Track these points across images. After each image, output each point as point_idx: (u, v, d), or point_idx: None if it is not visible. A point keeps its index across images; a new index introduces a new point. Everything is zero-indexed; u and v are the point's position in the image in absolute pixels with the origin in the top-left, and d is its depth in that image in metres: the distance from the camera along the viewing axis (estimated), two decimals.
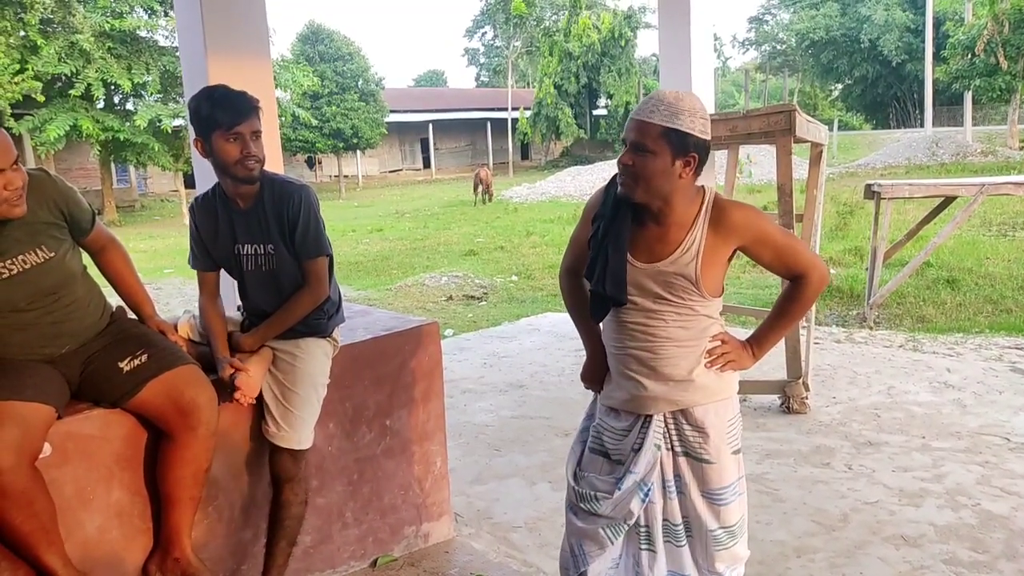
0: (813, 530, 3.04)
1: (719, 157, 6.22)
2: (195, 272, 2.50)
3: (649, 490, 1.98)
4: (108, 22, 20.90)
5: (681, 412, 1.97)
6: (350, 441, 2.73)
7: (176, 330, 2.42)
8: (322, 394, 2.49)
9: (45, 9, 20.37)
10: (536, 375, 5.28)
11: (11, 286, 2.04)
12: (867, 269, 7.53)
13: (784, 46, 49.11)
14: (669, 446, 1.99)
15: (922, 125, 33.28)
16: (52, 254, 2.10)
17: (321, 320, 2.48)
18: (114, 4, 21.45)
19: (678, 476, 2.00)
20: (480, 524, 3.23)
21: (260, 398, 2.39)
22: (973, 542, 2.89)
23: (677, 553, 2.03)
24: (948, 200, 7.23)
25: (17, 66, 19.80)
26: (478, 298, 9.69)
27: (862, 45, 40.92)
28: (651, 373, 1.94)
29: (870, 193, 7.08)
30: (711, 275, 1.89)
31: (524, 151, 44.25)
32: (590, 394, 2.19)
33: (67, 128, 20.54)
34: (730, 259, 1.93)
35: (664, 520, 2.02)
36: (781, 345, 4.02)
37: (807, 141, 4.47)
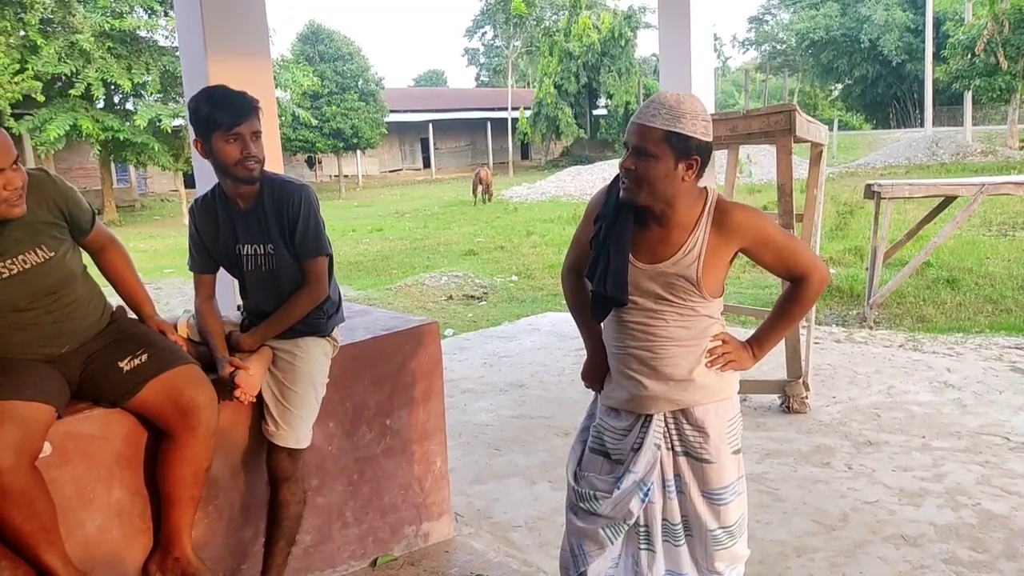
0: (813, 529, 3.04)
1: (719, 157, 6.22)
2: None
3: (649, 490, 1.98)
4: (108, 22, 20.90)
5: (681, 412, 1.97)
6: (350, 441, 2.73)
7: (176, 330, 2.42)
8: (321, 393, 2.49)
9: (45, 9, 20.37)
10: (536, 375, 5.28)
11: (11, 286, 2.04)
12: (867, 269, 7.53)
13: (784, 46, 49.13)
14: (669, 446, 1.99)
15: (922, 125, 33.28)
16: (52, 254, 2.10)
17: (321, 320, 2.48)
18: (114, 4, 21.46)
19: (678, 476, 2.00)
20: (480, 524, 3.23)
21: (260, 397, 2.39)
22: (973, 542, 2.89)
23: (675, 552, 2.03)
24: (948, 200, 7.23)
25: (17, 66, 19.81)
26: (478, 298, 9.69)
27: (862, 45, 40.92)
28: (651, 373, 1.94)
29: (870, 193, 7.08)
30: (712, 276, 1.89)
31: (524, 151, 44.25)
32: (590, 394, 2.19)
33: (67, 128, 20.55)
34: (731, 260, 1.93)
35: (663, 519, 2.02)
36: (781, 345, 4.01)
37: (807, 141, 4.47)
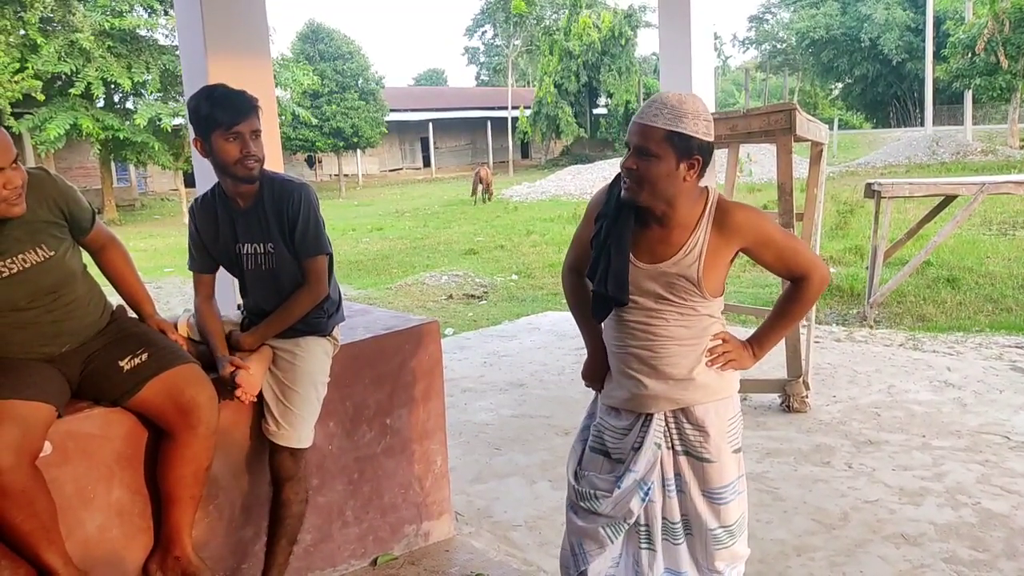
0: (813, 529, 3.04)
1: (719, 156, 6.21)
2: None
3: (649, 489, 1.98)
4: (108, 21, 20.90)
5: (682, 411, 1.97)
6: (350, 440, 2.73)
7: (176, 329, 2.42)
8: (322, 393, 2.49)
9: (45, 8, 20.36)
10: (536, 374, 5.28)
11: (11, 285, 2.04)
12: (867, 268, 7.53)
13: (784, 45, 49.11)
14: (669, 445, 1.99)
15: (922, 124, 33.27)
16: (52, 253, 2.10)
17: (321, 319, 2.48)
18: (114, 3, 21.45)
19: (678, 475, 2.00)
20: (480, 523, 3.23)
21: (260, 397, 2.39)
22: (973, 541, 2.89)
23: (674, 551, 2.03)
24: (948, 199, 7.23)
25: (17, 65, 19.80)
26: (478, 297, 9.69)
27: (862, 44, 40.90)
28: (652, 372, 1.94)
29: (870, 192, 7.08)
30: (713, 276, 1.89)
31: (524, 150, 44.24)
32: (591, 393, 2.19)
33: (67, 127, 20.54)
34: (732, 260, 1.93)
35: (662, 518, 2.02)
36: (781, 344, 4.01)
37: (807, 140, 4.47)
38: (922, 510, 3.15)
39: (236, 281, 2.55)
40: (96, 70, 20.68)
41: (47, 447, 2.03)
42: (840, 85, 47.58)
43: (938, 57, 30.00)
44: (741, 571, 2.11)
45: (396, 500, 2.88)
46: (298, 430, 2.40)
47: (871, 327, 6.66)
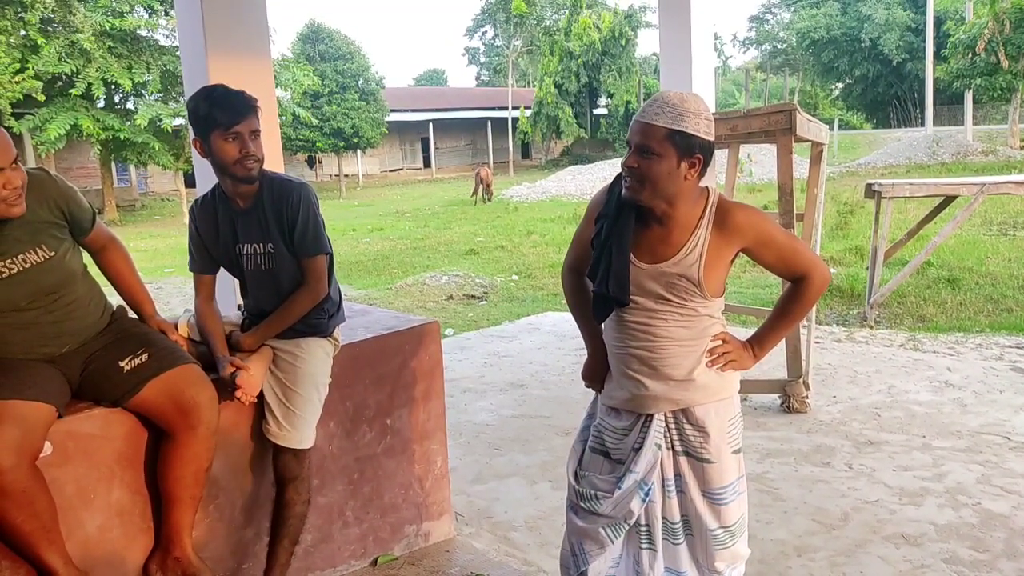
0: (813, 529, 3.04)
1: (719, 156, 6.20)
2: None
3: (650, 489, 1.98)
4: (108, 21, 20.90)
5: (682, 411, 1.97)
6: (351, 440, 2.73)
7: (176, 329, 2.42)
8: (324, 393, 2.49)
9: (46, 8, 20.36)
10: (536, 374, 5.28)
11: (11, 285, 2.04)
12: (868, 268, 7.53)
13: (785, 45, 49.10)
14: (670, 445, 1.99)
15: (923, 124, 33.26)
16: (52, 253, 2.10)
17: (322, 319, 2.48)
18: (114, 3, 21.45)
19: (678, 475, 2.00)
20: (480, 523, 3.23)
21: (261, 397, 2.39)
22: (974, 541, 2.89)
23: (674, 551, 2.03)
24: (949, 199, 7.23)
25: (18, 65, 19.80)
26: (478, 297, 9.69)
27: (863, 44, 40.89)
28: (652, 373, 1.94)
29: (871, 192, 7.08)
30: (713, 276, 1.89)
31: (524, 150, 44.24)
32: (591, 393, 2.19)
33: (67, 127, 20.54)
34: (732, 260, 1.93)
35: (662, 518, 2.02)
36: (782, 344, 4.02)
37: (808, 140, 4.47)
38: (922, 510, 3.15)
39: (237, 282, 2.55)
40: (97, 70, 20.68)
41: (47, 447, 2.03)
42: (840, 85, 47.57)
43: (938, 57, 29.99)
44: (741, 571, 2.11)
45: (396, 500, 2.88)
46: (300, 431, 2.40)
47: (871, 327, 6.66)
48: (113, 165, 25.51)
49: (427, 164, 41.98)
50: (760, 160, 23.20)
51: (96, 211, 2.32)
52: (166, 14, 22.23)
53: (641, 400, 1.97)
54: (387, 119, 34.72)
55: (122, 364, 2.17)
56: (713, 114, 1.94)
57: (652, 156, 1.79)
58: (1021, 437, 3.83)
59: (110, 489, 2.22)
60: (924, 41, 32.05)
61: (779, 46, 50.06)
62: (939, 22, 32.54)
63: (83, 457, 2.15)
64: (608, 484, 2.00)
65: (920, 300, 7.67)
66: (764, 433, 4.04)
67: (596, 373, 2.12)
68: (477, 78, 61.53)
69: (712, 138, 1.83)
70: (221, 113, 2.21)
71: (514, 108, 39.83)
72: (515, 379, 5.20)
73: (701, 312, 1.92)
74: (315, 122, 29.24)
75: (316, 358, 2.46)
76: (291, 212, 2.34)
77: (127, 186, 30.22)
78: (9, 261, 2.03)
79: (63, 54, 20.40)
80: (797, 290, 1.98)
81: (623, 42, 37.97)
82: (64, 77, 20.98)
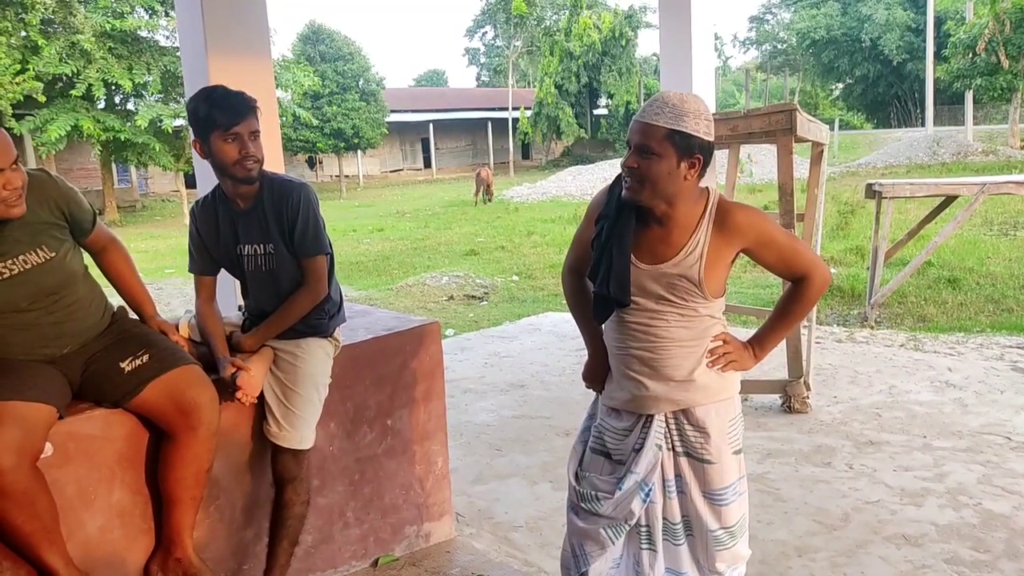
0: (814, 529, 3.04)
1: (720, 156, 6.19)
2: None
3: (650, 490, 1.98)
4: (109, 22, 20.91)
5: (682, 412, 1.97)
6: (351, 441, 2.73)
7: (177, 330, 2.42)
8: (324, 394, 2.49)
9: (46, 9, 20.38)
10: (537, 375, 5.28)
11: (12, 286, 2.04)
12: (868, 268, 7.53)
13: (785, 45, 49.10)
14: (670, 446, 1.99)
15: (923, 124, 33.26)
16: (53, 254, 2.10)
17: (322, 320, 2.48)
18: (115, 4, 21.46)
19: (679, 476, 1.99)
20: (481, 524, 3.23)
21: (261, 398, 2.39)
22: (975, 541, 2.89)
23: (674, 551, 2.03)
24: (949, 199, 7.23)
25: (18, 66, 19.81)
26: (479, 298, 9.69)
27: (863, 44, 40.90)
28: (652, 373, 1.94)
29: (871, 192, 7.07)
30: (714, 277, 1.89)
31: (525, 151, 44.25)
32: (591, 394, 2.19)
33: (68, 128, 20.55)
34: (733, 260, 1.93)
35: (663, 519, 2.02)
36: (782, 345, 4.02)
37: (808, 140, 4.47)
38: (923, 511, 3.14)
39: (237, 283, 2.55)
40: (97, 71, 20.69)
41: (48, 448, 2.03)
42: (841, 85, 47.58)
43: (939, 57, 29.99)
44: (742, 572, 2.10)
45: (397, 501, 2.88)
46: (299, 431, 2.40)
47: (872, 328, 6.66)
48: (114, 166, 25.53)
49: (427, 165, 42.00)
50: (760, 160, 23.20)
51: (97, 212, 2.32)
52: (166, 15, 22.25)
53: (641, 401, 1.97)
54: (387, 120, 34.74)
55: (123, 365, 2.17)
56: (713, 114, 1.94)
57: (652, 156, 1.79)
58: (1022, 437, 3.82)
59: (111, 490, 2.22)
60: (924, 41, 32.04)
61: (779, 46, 50.06)
62: (939, 22, 32.54)
63: (84, 458, 2.16)
64: (609, 485, 2.00)
65: (921, 300, 7.67)
66: (765, 433, 4.04)
67: (596, 374, 2.12)
68: (477, 79, 61.56)
69: (712, 138, 1.83)
70: (220, 114, 2.21)
71: (514, 108, 39.84)
72: (516, 380, 5.19)
73: (702, 312, 1.92)
74: (315, 123, 29.25)
75: (316, 358, 2.46)
76: (291, 212, 2.34)
77: (128, 187, 30.24)
78: (10, 262, 2.03)
79: (64, 55, 20.42)
80: (797, 290, 1.98)
81: (623, 42, 37.98)
82: (65, 78, 21.00)
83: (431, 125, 40.06)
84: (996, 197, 9.84)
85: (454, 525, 3.09)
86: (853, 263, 9.71)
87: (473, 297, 9.72)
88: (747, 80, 44.52)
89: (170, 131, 21.64)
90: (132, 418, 2.21)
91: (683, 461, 1.99)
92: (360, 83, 33.75)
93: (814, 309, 4.63)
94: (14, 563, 2.03)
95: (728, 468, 1.98)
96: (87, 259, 2.29)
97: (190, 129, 2.33)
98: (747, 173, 22.14)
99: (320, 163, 39.04)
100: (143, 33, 22.24)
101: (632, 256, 1.89)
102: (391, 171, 41.53)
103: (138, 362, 2.17)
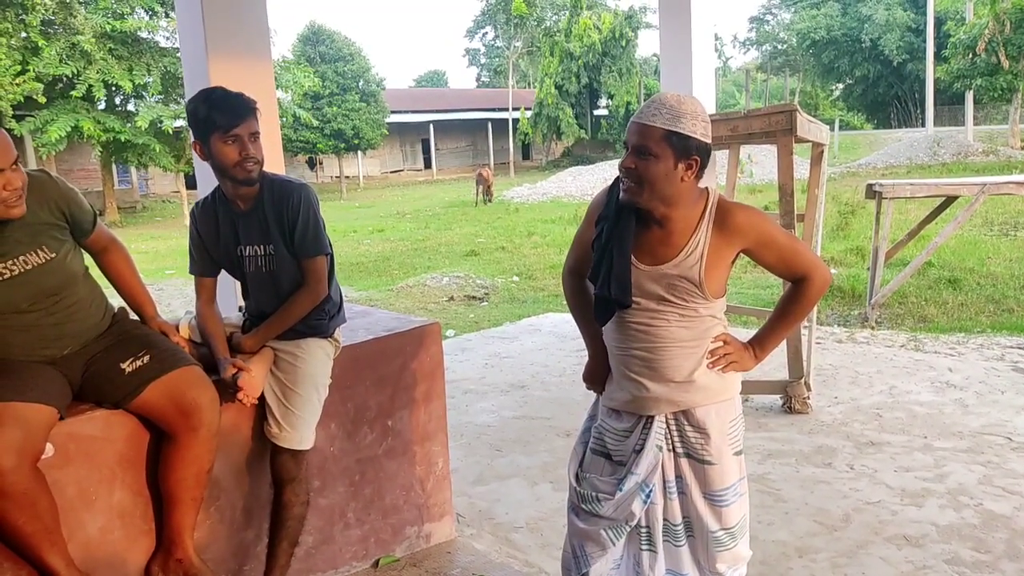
0: (815, 530, 3.04)
1: (720, 157, 6.21)
2: None
3: (651, 491, 1.98)
4: (109, 23, 20.92)
5: (682, 413, 1.96)
6: (352, 442, 2.73)
7: (178, 331, 2.42)
8: (324, 395, 2.49)
9: (46, 10, 20.40)
10: (538, 375, 5.28)
11: (12, 287, 2.04)
12: (869, 269, 7.52)
13: (785, 46, 49.11)
14: (670, 447, 1.99)
15: (923, 125, 33.27)
16: (53, 255, 2.11)
17: (322, 320, 2.48)
18: (115, 5, 21.47)
19: (679, 477, 1.99)
20: (482, 524, 3.23)
21: (262, 398, 2.39)
22: (975, 542, 2.89)
23: (675, 552, 2.03)
24: (950, 200, 7.22)
25: (18, 67, 19.83)
26: (479, 298, 9.69)
27: (863, 45, 40.91)
28: (653, 374, 1.94)
29: (871, 193, 7.07)
30: (715, 277, 1.89)
31: (525, 151, 44.26)
32: (592, 395, 2.19)
33: (68, 129, 20.57)
34: (733, 261, 1.93)
35: (664, 520, 2.02)
36: (783, 345, 4.01)
37: (808, 141, 4.47)
38: (924, 511, 3.14)
39: (238, 283, 2.55)
40: (97, 72, 20.71)
41: (49, 449, 2.03)
42: (841, 86, 47.59)
43: (939, 58, 30.00)
44: (743, 573, 2.10)
45: (398, 502, 2.88)
46: (299, 432, 2.40)
47: (872, 328, 6.66)
48: (114, 167, 25.54)
49: (428, 165, 42.02)
50: (761, 161, 23.21)
51: (97, 213, 2.32)
52: (167, 16, 22.26)
53: (642, 402, 1.97)
54: (388, 120, 34.76)
55: (123, 366, 2.17)
56: (714, 115, 1.95)
57: (649, 157, 1.79)
58: (1022, 438, 3.82)
59: (111, 491, 2.22)
60: (924, 41, 32.06)
61: (779, 47, 50.07)
62: (939, 22, 32.55)
63: (84, 459, 2.16)
64: (609, 486, 2.00)
65: (921, 301, 7.67)
66: (765, 434, 4.04)
67: (597, 375, 2.12)
68: (478, 79, 61.57)
69: (709, 140, 1.84)
70: (220, 116, 2.21)
71: (515, 109, 39.85)
72: (516, 380, 5.19)
73: (703, 313, 1.92)
74: (316, 123, 29.26)
75: (316, 359, 2.46)
76: (291, 213, 2.34)
77: (128, 188, 30.25)
78: (10, 263, 2.03)
79: (64, 56, 20.43)
80: (798, 291, 1.98)
81: (623, 43, 37.99)
82: (65, 79, 21.02)
83: (431, 126, 40.08)
84: (996, 197, 9.84)
85: (455, 526, 3.09)
86: (853, 263, 9.71)
87: (473, 298, 9.72)
88: (747, 81, 44.54)
89: (170, 132, 21.66)
90: (133, 419, 2.21)
91: (683, 462, 1.99)
92: (360, 84, 33.77)
93: (814, 309, 4.63)
94: (15, 564, 2.03)
95: (728, 469, 1.98)
96: (88, 260, 2.29)
97: (190, 130, 2.33)
98: (747, 174, 22.14)
99: (320, 164, 39.05)
100: (143, 34, 22.26)
101: (632, 257, 1.89)
102: (391, 172, 41.55)
103: (139, 363, 2.17)
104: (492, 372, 5.42)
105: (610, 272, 1.88)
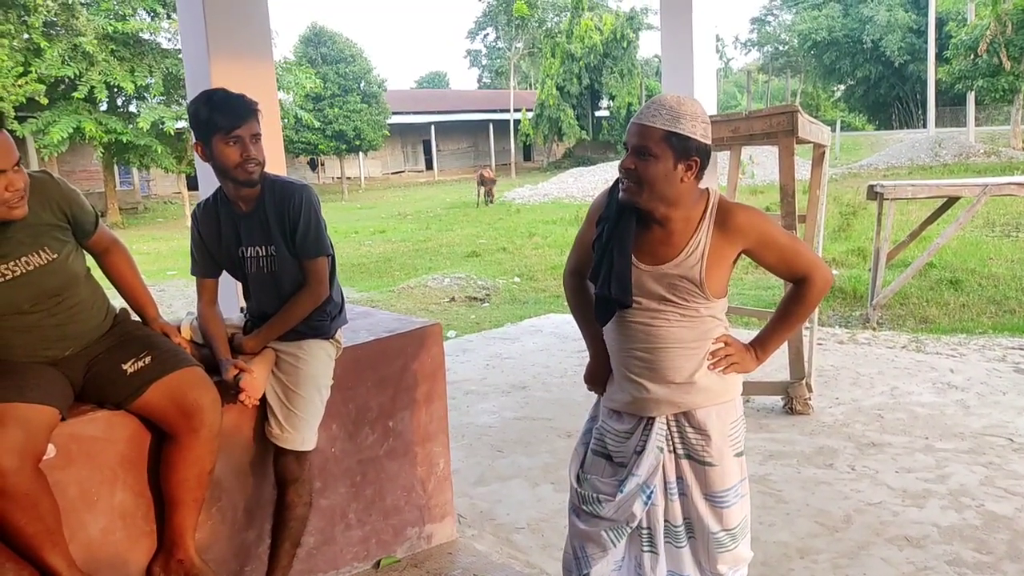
0: (816, 531, 3.04)
1: (721, 158, 6.21)
2: None
3: (652, 493, 1.98)
4: (111, 25, 20.96)
5: (683, 414, 1.96)
6: (353, 443, 2.73)
7: (179, 332, 2.43)
8: (325, 396, 2.49)
9: (49, 12, 20.43)
10: (539, 376, 5.28)
11: (14, 288, 2.05)
12: (870, 270, 7.52)
13: (786, 47, 49.10)
14: (671, 448, 1.99)
15: (925, 126, 33.24)
16: (55, 256, 2.11)
17: (324, 321, 2.48)
18: (117, 7, 21.51)
19: (680, 478, 1.99)
20: (483, 525, 3.23)
21: (263, 399, 2.39)
22: (977, 543, 2.89)
23: (677, 554, 2.03)
24: (951, 201, 7.23)
25: (21, 69, 19.86)
26: (481, 299, 9.69)
27: (864, 46, 40.89)
28: (653, 375, 1.94)
29: (873, 194, 7.07)
30: (716, 277, 1.89)
31: (526, 152, 44.28)
32: (593, 395, 2.19)
33: (70, 130, 20.60)
34: (734, 261, 1.93)
35: (665, 521, 2.02)
36: (784, 346, 4.01)
37: (809, 142, 4.47)
38: (925, 512, 3.14)
39: (239, 284, 2.55)
40: (99, 74, 20.74)
41: (51, 450, 2.04)
42: (842, 87, 47.58)
43: (940, 59, 29.99)
44: (744, 574, 2.10)
45: (399, 502, 2.88)
46: (301, 433, 2.40)
47: (874, 329, 6.66)
48: (116, 168, 25.57)
49: (429, 166, 42.04)
50: (762, 162, 23.20)
51: (99, 214, 2.32)
52: (168, 17, 22.30)
53: (642, 403, 1.97)
54: (389, 121, 34.77)
55: (125, 367, 2.17)
56: (715, 116, 1.95)
57: (649, 157, 1.80)
58: None
59: (113, 491, 2.22)
60: (926, 43, 32.04)
61: (781, 48, 50.05)
62: (941, 23, 32.54)
63: (86, 459, 2.16)
64: (610, 487, 2.00)
65: (923, 302, 7.66)
66: (767, 435, 4.04)
67: (598, 376, 2.12)
68: (479, 80, 61.61)
69: (709, 141, 1.84)
70: (221, 117, 2.21)
71: (516, 110, 39.85)
72: (517, 381, 5.20)
73: (703, 313, 1.91)
74: (317, 125, 29.28)
75: (318, 360, 2.46)
76: (293, 214, 2.34)
77: (130, 189, 30.29)
78: (12, 263, 2.04)
79: (66, 57, 20.47)
80: (799, 292, 1.98)
81: (625, 44, 38.02)
82: (67, 80, 21.05)
83: (433, 127, 40.09)
84: (998, 198, 9.84)
85: (456, 526, 3.09)
86: (855, 264, 9.71)
87: (475, 299, 9.73)
88: (749, 82, 44.52)
89: (172, 133, 21.69)
90: (134, 420, 2.22)
91: (684, 463, 1.98)
92: (362, 85, 33.79)
93: (816, 310, 4.62)
94: (16, 565, 2.03)
95: (729, 470, 1.98)
96: (89, 261, 2.30)
97: (192, 131, 2.34)
98: (749, 175, 22.13)
99: (322, 165, 39.08)
100: (145, 35, 22.31)
101: (633, 257, 1.89)
102: (393, 173, 41.57)
103: (140, 364, 2.18)
104: (493, 373, 5.43)
105: (610, 271, 1.88)
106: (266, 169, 2.35)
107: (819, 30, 42.09)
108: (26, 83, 19.79)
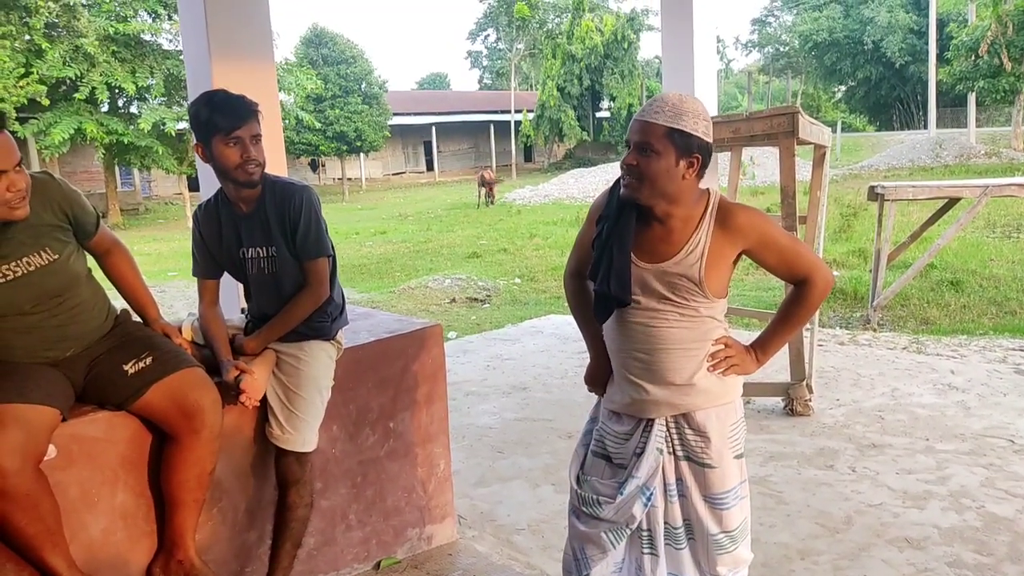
0: (817, 532, 3.04)
1: (722, 159, 6.21)
2: None
3: (652, 494, 1.97)
4: (112, 26, 20.99)
5: (683, 416, 1.96)
6: (353, 443, 2.74)
7: (180, 333, 2.43)
8: (326, 396, 2.49)
9: (50, 13, 20.46)
10: (539, 377, 5.28)
11: (15, 288, 2.05)
12: (871, 271, 7.52)
13: (787, 48, 49.13)
14: (671, 450, 1.99)
15: (926, 127, 33.25)
16: (56, 256, 2.11)
17: (324, 322, 2.49)
18: (118, 8, 21.54)
19: (680, 480, 1.99)
20: (483, 526, 3.23)
21: (264, 400, 2.40)
22: (978, 544, 2.88)
23: (676, 556, 2.03)
24: (952, 202, 7.22)
25: (22, 70, 19.89)
26: (481, 300, 9.69)
27: (865, 47, 40.90)
28: (653, 377, 1.94)
29: (873, 195, 7.07)
30: (715, 276, 1.89)
31: (527, 153, 44.29)
32: (593, 397, 2.19)
33: (71, 131, 20.63)
34: (735, 262, 1.93)
35: (665, 523, 2.01)
36: (784, 347, 4.01)
37: (810, 143, 4.47)
38: (926, 514, 3.14)
39: (240, 285, 2.56)
40: (100, 75, 20.78)
41: (51, 450, 2.04)
42: (843, 88, 47.58)
43: (941, 60, 29.99)
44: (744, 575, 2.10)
45: (399, 503, 2.88)
46: (302, 434, 2.41)
47: (875, 330, 6.65)
48: (117, 169, 25.61)
49: (430, 167, 42.05)
50: (763, 163, 23.20)
51: (100, 215, 2.33)
52: (170, 18, 22.33)
53: (642, 404, 1.97)
54: (390, 123, 34.80)
55: (126, 367, 2.18)
56: (716, 117, 1.95)
57: (651, 154, 1.80)
58: None
59: (114, 492, 2.22)
60: (927, 44, 32.04)
61: (782, 49, 50.08)
62: (942, 24, 32.56)
63: (87, 460, 2.16)
64: (610, 489, 2.00)
65: (923, 303, 7.66)
66: (767, 436, 4.04)
67: (598, 377, 2.12)
68: (480, 81, 61.64)
69: (710, 139, 1.84)
70: (222, 118, 2.21)
71: (517, 111, 39.88)
72: (518, 382, 5.20)
73: (703, 313, 1.91)
74: (318, 126, 29.30)
75: (319, 361, 2.46)
76: (293, 215, 2.34)
77: (131, 190, 30.31)
78: (13, 264, 2.04)
79: (67, 58, 20.50)
80: (800, 293, 1.97)
81: (625, 45, 38.04)
82: (68, 81, 21.08)
83: (433, 128, 40.11)
84: (999, 199, 9.81)
85: (456, 528, 3.09)
86: (855, 265, 9.71)
87: (475, 300, 9.73)
88: (749, 83, 44.55)
89: (173, 134, 21.73)
90: (135, 420, 2.22)
91: (684, 465, 1.98)
92: (363, 86, 33.81)
93: (816, 312, 4.62)
94: (17, 565, 2.03)
95: (729, 472, 1.97)
96: (90, 262, 2.30)
97: (192, 132, 2.34)
98: (749, 175, 22.13)
99: (323, 166, 39.10)
100: (146, 37, 22.33)
101: (633, 255, 1.89)
102: (393, 174, 41.59)
103: (141, 364, 2.18)
104: (494, 374, 5.43)
105: (610, 268, 1.88)
106: (267, 170, 2.35)
107: (820, 31, 42.10)
108: (27, 84, 19.82)
